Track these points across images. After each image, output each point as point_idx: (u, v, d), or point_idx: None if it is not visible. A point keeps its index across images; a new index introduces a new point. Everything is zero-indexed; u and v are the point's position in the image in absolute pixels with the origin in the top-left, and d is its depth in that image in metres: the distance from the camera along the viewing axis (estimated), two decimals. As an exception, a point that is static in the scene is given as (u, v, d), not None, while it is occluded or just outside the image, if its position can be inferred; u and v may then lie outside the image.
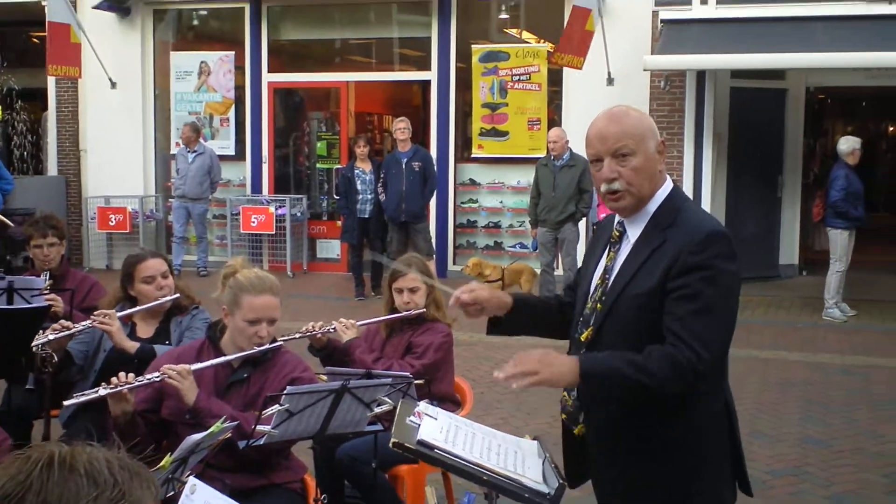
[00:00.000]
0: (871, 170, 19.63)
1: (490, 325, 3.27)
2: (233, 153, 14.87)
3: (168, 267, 4.92)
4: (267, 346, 3.97)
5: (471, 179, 14.03)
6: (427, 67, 14.13)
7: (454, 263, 13.64)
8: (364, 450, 4.54)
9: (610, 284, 2.94)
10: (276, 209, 13.86)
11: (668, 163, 12.18)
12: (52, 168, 15.45)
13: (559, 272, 11.45)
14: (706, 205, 12.21)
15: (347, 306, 11.32)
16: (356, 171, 12.21)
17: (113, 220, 14.34)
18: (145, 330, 4.86)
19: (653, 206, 2.92)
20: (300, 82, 15.22)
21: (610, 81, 12.71)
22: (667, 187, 2.96)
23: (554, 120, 13.44)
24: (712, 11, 12.51)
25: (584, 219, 11.50)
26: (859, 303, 11.39)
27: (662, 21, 12.47)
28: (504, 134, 13.66)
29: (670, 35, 12.21)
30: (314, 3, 14.76)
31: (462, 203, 14.04)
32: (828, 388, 8.17)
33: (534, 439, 3.16)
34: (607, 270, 2.99)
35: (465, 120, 14.13)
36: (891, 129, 23.42)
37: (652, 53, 12.26)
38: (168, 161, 15.16)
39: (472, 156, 13.98)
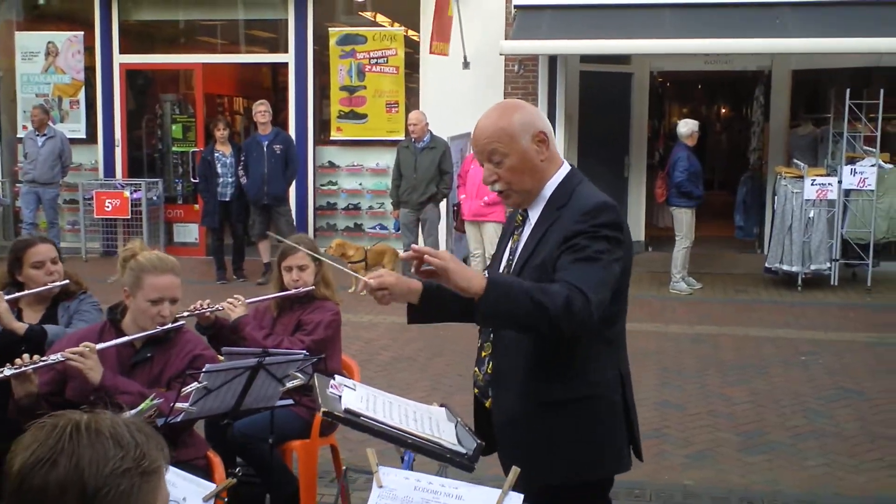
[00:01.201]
0: (706, 150, 20.63)
1: (409, 313, 3.28)
2: (83, 136, 14.52)
3: (57, 252, 4.91)
4: (169, 325, 4.07)
5: (330, 162, 14.14)
6: (284, 50, 14.14)
7: (315, 245, 13.72)
8: (258, 427, 4.68)
9: (514, 262, 3.17)
10: (132, 193, 13.64)
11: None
12: None
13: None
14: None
15: (210, 290, 11.28)
16: (216, 155, 12.16)
17: (-43, 206, 13.83)
18: (32, 315, 4.83)
19: (548, 190, 3.11)
20: (154, 64, 14.96)
21: (466, 65, 13.00)
22: (562, 171, 3.15)
23: (409, 103, 13.65)
24: (563, -2, 12.98)
25: (445, 200, 11.79)
26: (702, 276, 12.10)
27: (515, 7, 12.84)
28: (363, 117, 13.81)
29: (523, 21, 12.60)
30: (167, -17, 14.58)
31: (322, 185, 14.13)
32: (680, 356, 8.72)
33: (441, 406, 3.39)
34: (512, 252, 3.22)
35: (323, 103, 14.20)
36: (723, 110, 24.59)
37: (506, 39, 12.63)
38: (14, 145, 14.67)
39: (331, 138, 14.08)
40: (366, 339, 9.38)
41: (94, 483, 1.63)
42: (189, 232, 14.41)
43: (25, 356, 3.85)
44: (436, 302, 3.15)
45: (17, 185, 14.15)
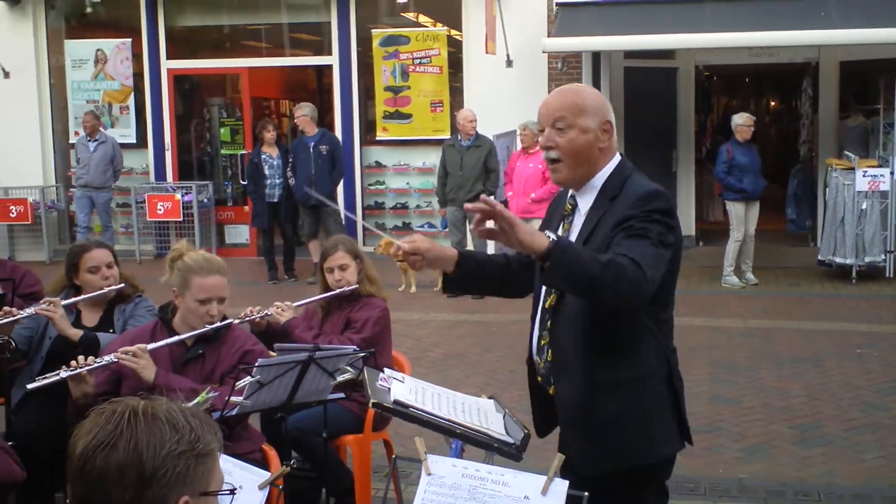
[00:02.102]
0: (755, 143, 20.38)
1: (444, 283, 3.41)
2: (134, 141, 14.75)
3: (113, 257, 5.00)
4: (218, 323, 4.13)
5: (376, 162, 14.21)
6: (328, 52, 14.25)
7: (364, 245, 13.78)
8: (312, 421, 4.72)
9: None
10: (183, 196, 13.80)
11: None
12: (-55, 160, 15.07)
13: (469, 249, 11.73)
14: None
15: (263, 290, 11.40)
16: (263, 157, 12.27)
17: (14, 211, 14.04)
18: (90, 318, 4.95)
19: (599, 180, 3.15)
20: (200, 69, 15.15)
21: (509, 63, 13.03)
22: (614, 161, 3.18)
23: (453, 102, 13.69)
24: (605, -6, 12.91)
25: (492, 197, 11.77)
26: (754, 269, 11.87)
27: (557, 4, 12.78)
28: (407, 116, 13.87)
29: (565, 18, 12.55)
30: (212, -12, 14.75)
31: (369, 185, 14.21)
32: (732, 350, 8.64)
33: (489, 398, 3.40)
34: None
35: (368, 103, 14.27)
36: (771, 103, 24.32)
37: (548, 36, 12.58)
38: (67, 150, 14.93)
39: (377, 138, 14.16)
40: (417, 336, 9.41)
41: (151, 464, 1.69)
42: (240, 233, 14.57)
43: (81, 358, 3.95)
44: (472, 272, 3.31)
45: (71, 189, 14.39)
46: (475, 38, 13.16)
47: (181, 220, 13.80)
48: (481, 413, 3.18)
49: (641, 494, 3.18)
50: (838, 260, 11.62)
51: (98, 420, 1.75)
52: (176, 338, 4.11)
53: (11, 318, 4.57)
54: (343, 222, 12.58)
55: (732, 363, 8.21)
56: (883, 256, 11.56)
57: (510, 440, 3.03)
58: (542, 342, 3.27)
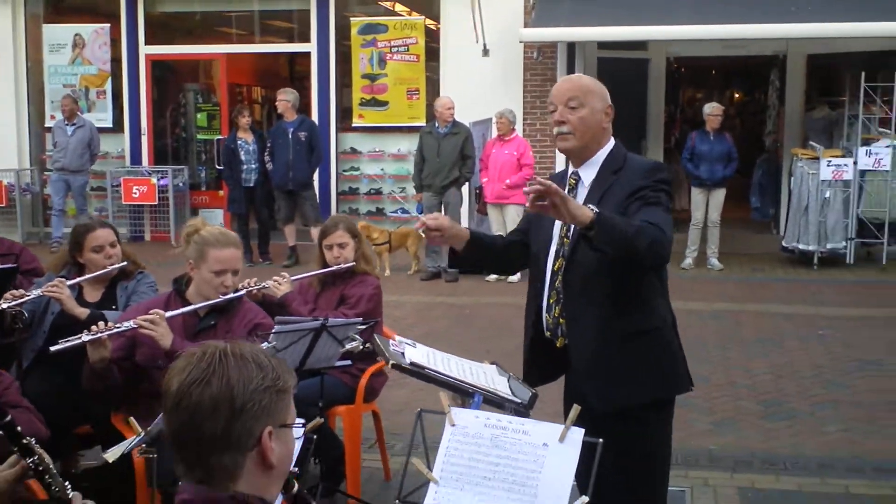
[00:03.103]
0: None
1: (452, 259, 3.78)
2: (110, 125, 14.83)
3: (116, 236, 5.17)
4: (231, 294, 4.35)
5: (352, 148, 14.41)
6: (306, 39, 14.40)
7: (339, 230, 13.97)
8: (308, 392, 4.93)
9: None
10: (159, 180, 13.93)
11: (540, 129, 12.88)
12: (-81, 143, 15.07)
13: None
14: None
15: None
16: (239, 142, 12.43)
17: (-12, 194, 14.13)
18: (92, 294, 5.08)
19: (601, 156, 3.56)
20: (178, 54, 15.25)
21: (486, 53, 13.27)
22: (612, 142, 3.61)
23: (430, 90, 13.91)
24: (582, -14, 13.17)
25: (467, 183, 12.03)
26: (720, 256, 12.25)
27: (535, -6, 13.06)
28: (384, 104, 14.07)
29: (543, 8, 12.82)
30: (191, -26, 14.87)
31: (344, 171, 14.40)
32: (701, 331, 8.95)
33: (492, 364, 3.67)
34: None
35: (345, 91, 14.45)
36: (738, 95, 24.72)
37: (525, 26, 12.84)
38: (42, 134, 15.00)
39: (353, 125, 14.35)
40: (394, 317, 9.62)
41: (241, 398, 1.93)
42: (214, 217, 14.62)
43: (101, 323, 4.14)
44: (477, 251, 3.69)
45: (45, 173, 14.48)
46: (452, 26, 13.41)
47: (156, 203, 13.95)
48: (488, 376, 3.45)
49: (652, 425, 3.56)
50: (801, 246, 12.01)
51: (190, 360, 1.98)
52: (192, 307, 4.30)
53: (22, 300, 4.71)
54: (319, 208, 12.78)
55: (702, 343, 8.51)
56: (844, 243, 11.96)
57: (518, 399, 3.30)
58: (551, 300, 3.58)
